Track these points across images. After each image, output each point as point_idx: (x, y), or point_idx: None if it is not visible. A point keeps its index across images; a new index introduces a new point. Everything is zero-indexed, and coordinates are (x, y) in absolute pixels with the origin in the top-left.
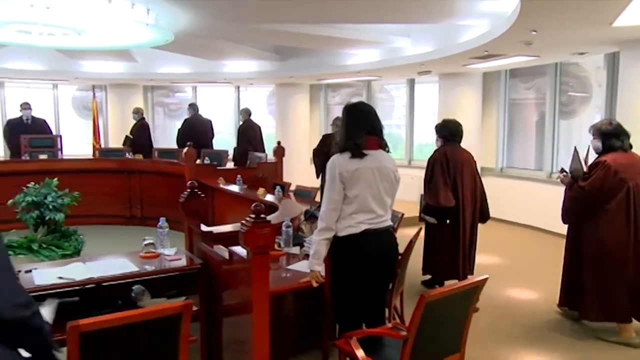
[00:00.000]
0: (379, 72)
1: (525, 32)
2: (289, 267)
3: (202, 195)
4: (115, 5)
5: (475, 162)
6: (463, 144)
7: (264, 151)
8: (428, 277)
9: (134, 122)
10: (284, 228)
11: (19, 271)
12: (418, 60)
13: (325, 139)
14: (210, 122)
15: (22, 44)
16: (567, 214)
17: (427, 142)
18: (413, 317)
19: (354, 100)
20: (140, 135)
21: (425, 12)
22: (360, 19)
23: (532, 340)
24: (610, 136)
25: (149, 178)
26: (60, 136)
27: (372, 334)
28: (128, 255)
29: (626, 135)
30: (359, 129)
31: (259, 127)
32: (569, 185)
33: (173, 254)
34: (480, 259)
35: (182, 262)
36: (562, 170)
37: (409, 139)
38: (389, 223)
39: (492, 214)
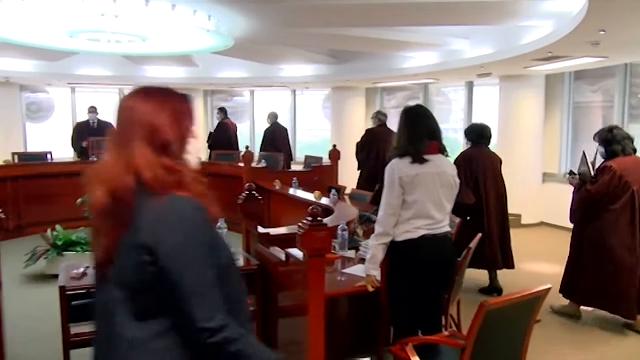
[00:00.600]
0: (436, 75)
1: (593, 32)
2: (345, 270)
3: (260, 197)
4: (178, 12)
5: (501, 163)
6: (525, 149)
7: (290, 154)
8: (487, 285)
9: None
10: (339, 231)
11: (88, 267)
12: (478, 62)
13: (369, 134)
14: (236, 126)
15: (92, 52)
16: (574, 214)
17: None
18: (472, 325)
19: (410, 103)
20: None
21: (486, 14)
22: (418, 21)
23: (596, 352)
24: (611, 143)
25: (208, 180)
26: None
27: (428, 341)
28: None
29: (628, 139)
30: (419, 134)
31: (286, 130)
32: (577, 187)
33: None
34: (542, 267)
35: (240, 263)
36: (572, 173)
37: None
38: (448, 229)
39: (554, 221)
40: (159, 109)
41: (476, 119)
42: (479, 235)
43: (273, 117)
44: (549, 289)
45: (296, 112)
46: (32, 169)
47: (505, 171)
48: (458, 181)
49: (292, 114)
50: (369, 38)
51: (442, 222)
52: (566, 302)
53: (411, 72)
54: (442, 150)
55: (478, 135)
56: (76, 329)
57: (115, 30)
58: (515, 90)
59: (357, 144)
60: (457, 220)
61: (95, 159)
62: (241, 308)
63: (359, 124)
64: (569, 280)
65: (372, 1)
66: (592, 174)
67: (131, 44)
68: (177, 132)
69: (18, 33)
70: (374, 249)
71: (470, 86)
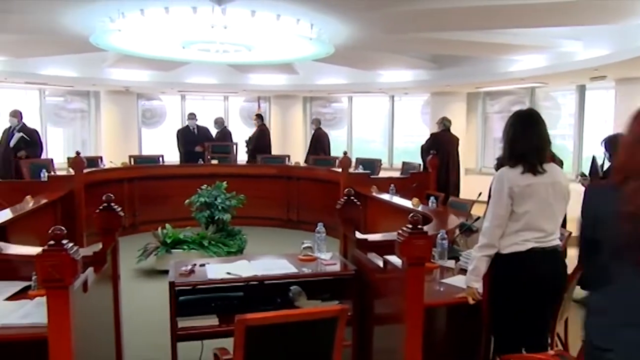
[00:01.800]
0: (545, 78)
1: None
2: (443, 280)
3: (358, 203)
4: (282, 22)
5: None
6: None
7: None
8: None
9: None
10: (439, 240)
11: (195, 264)
12: (591, 65)
13: (434, 138)
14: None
15: (201, 61)
16: None
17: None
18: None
19: (515, 108)
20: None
21: (603, 12)
22: (529, 23)
23: None
24: (615, 148)
25: (305, 184)
26: (237, 143)
27: None
28: (287, 257)
29: None
30: (534, 141)
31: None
32: None
33: (329, 258)
34: None
35: (337, 267)
36: (583, 175)
37: (578, 151)
38: (558, 242)
39: None
40: None
41: (588, 125)
42: None
43: (317, 123)
44: None
45: (394, 117)
46: (146, 171)
47: None
48: (570, 191)
49: (389, 120)
50: (473, 41)
51: (553, 235)
52: None
53: (517, 76)
54: (555, 159)
55: None
56: (183, 322)
57: (224, 41)
58: (636, 94)
59: (422, 146)
60: (567, 232)
61: (201, 163)
62: None
63: (460, 130)
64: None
65: (478, 3)
66: (601, 174)
67: (237, 53)
68: None
69: (139, 46)
70: (477, 260)
71: (581, 90)
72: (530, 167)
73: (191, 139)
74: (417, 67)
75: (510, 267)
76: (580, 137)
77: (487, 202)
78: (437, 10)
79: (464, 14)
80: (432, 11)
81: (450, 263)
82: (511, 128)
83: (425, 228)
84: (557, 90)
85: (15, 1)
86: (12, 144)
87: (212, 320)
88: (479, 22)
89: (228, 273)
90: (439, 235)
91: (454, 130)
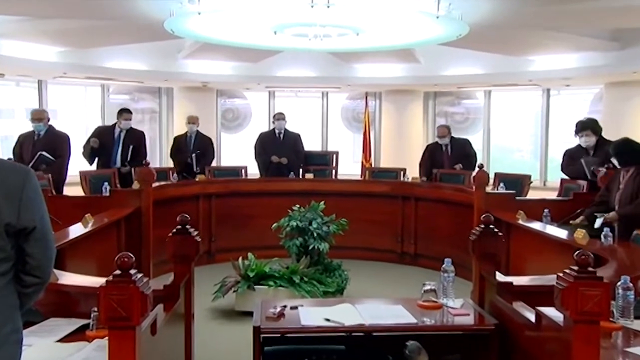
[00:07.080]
0: None
1: None
2: (628, 349)
3: (500, 233)
4: None
5: None
6: None
7: None
8: None
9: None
10: (619, 290)
11: (284, 306)
12: None
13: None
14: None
15: (297, 49)
16: None
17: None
18: None
19: None
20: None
21: None
22: None
23: None
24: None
25: (426, 206)
26: (337, 152)
27: None
28: (403, 302)
29: None
30: None
31: None
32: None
33: (459, 306)
34: None
35: (470, 319)
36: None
37: None
38: None
39: None
40: None
41: None
42: None
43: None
44: None
45: (549, 118)
46: (225, 186)
47: None
48: None
49: (542, 122)
50: None
51: None
52: None
53: None
54: None
55: None
56: None
57: (326, 23)
58: None
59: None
60: None
61: (292, 177)
62: None
63: None
64: None
65: None
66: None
67: (341, 38)
68: None
69: (222, 32)
70: None
71: None
72: None
73: (272, 145)
74: (586, 49)
75: None
76: None
77: None
78: None
79: None
80: None
81: (639, 324)
82: None
83: (599, 272)
84: None
85: None
86: None
87: None
88: None
89: (327, 320)
90: (619, 283)
91: (637, 135)
